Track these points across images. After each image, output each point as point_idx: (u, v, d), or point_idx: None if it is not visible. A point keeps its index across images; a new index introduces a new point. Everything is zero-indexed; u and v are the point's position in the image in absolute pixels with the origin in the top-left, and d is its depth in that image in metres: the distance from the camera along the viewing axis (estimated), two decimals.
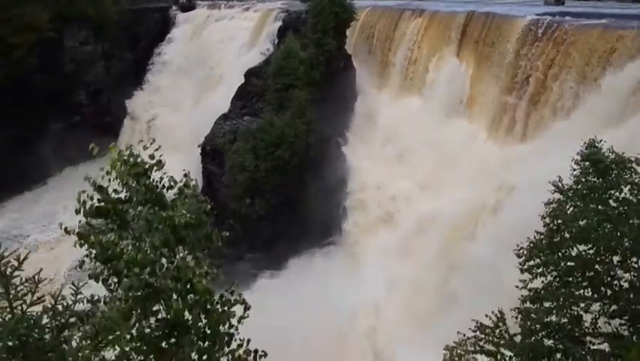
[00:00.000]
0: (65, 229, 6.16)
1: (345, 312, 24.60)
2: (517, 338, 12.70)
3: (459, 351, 13.82)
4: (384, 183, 32.01)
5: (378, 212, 31.11)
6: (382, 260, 28.55)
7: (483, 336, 13.48)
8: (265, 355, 7.34)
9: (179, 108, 39.31)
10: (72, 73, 42.10)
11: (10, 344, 5.35)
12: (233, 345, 8.28)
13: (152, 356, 7.81)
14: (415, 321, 25.29)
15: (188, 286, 6.43)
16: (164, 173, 6.85)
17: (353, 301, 25.58)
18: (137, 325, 6.55)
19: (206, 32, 45.66)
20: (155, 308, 7.77)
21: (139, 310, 6.16)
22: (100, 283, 6.04)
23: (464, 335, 13.84)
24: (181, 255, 6.73)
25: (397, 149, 32.77)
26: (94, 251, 6.13)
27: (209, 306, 6.74)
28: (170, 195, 7.32)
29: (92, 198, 6.32)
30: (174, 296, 6.41)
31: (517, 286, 12.21)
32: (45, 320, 5.55)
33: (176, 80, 42.72)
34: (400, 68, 34.80)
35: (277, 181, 30.16)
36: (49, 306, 5.51)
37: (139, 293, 6.18)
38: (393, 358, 23.88)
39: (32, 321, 5.30)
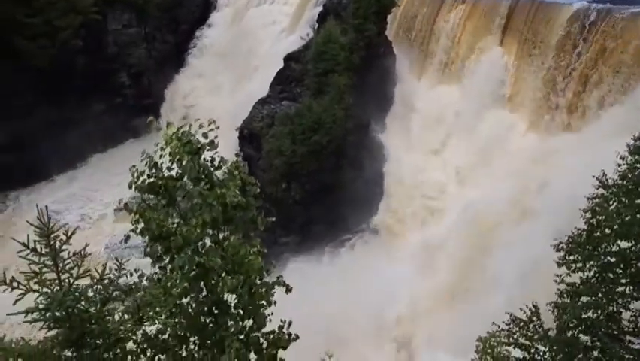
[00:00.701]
0: (126, 205, 6.33)
1: (377, 300, 24.64)
2: (552, 334, 12.55)
3: (492, 343, 13.75)
4: (420, 172, 31.76)
5: (413, 201, 30.93)
6: (417, 249, 28.42)
7: (517, 329, 13.37)
8: (297, 338, 7.44)
9: (219, 92, 39.70)
10: (115, 55, 42.90)
11: (57, 314, 5.56)
12: (270, 326, 8.44)
13: (190, 333, 8.01)
14: (445, 311, 25.16)
15: (235, 266, 6.53)
16: (215, 153, 6.97)
17: (386, 289, 25.58)
18: (179, 302, 6.73)
19: (246, 16, 45.83)
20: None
21: (187, 288, 6.32)
22: (152, 259, 6.19)
23: (498, 327, 13.75)
24: (224, 235, 6.87)
25: (435, 138, 32.44)
26: (141, 227, 6.30)
27: (254, 286, 6.84)
28: (218, 175, 7.43)
29: (142, 174, 6.47)
30: (224, 274, 6.52)
31: (555, 281, 12.03)
32: (90, 293, 5.75)
33: (216, 64, 43.07)
34: (440, 56, 34.32)
35: (313, 166, 30.22)
36: (95, 280, 5.70)
37: (190, 271, 6.32)
38: (424, 348, 23.86)
39: (78, 293, 5.50)
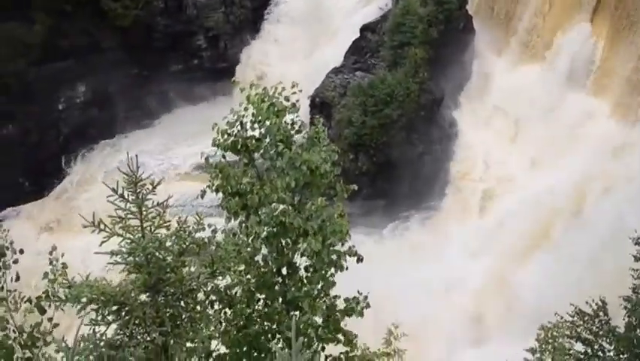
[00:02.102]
0: (206, 159, 6.49)
1: (434, 281, 24.42)
2: (620, 331, 12.09)
3: (554, 333, 13.41)
4: (492, 155, 30.93)
5: (481, 184, 30.22)
6: (479, 233, 27.88)
7: (581, 323, 12.97)
8: (368, 306, 7.53)
9: (293, 59, 39.75)
10: (193, 18, 43.61)
11: (137, 259, 5.82)
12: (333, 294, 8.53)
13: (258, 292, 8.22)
14: (503, 299, 24.70)
15: (320, 228, 6.61)
16: (297, 116, 7.05)
17: (444, 272, 25.31)
18: (251, 260, 6.92)
19: None
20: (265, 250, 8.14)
21: (261, 246, 6.48)
22: (227, 215, 6.36)
23: (561, 317, 13.38)
24: (303, 198, 6.98)
25: (511, 120, 31.39)
26: (217, 183, 6.46)
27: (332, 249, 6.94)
28: (297, 139, 7.52)
29: (226, 132, 6.62)
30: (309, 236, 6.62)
31: (632, 275, 11.53)
32: (168, 243, 5.96)
33: (292, 31, 43.04)
34: (523, 34, 32.91)
35: (382, 139, 30.04)
36: (174, 230, 5.91)
37: (266, 230, 6.46)
38: (476, 338, 23.53)
39: (158, 242, 5.71)
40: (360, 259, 8.13)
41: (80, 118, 37.66)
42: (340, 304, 8.45)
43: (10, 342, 5.88)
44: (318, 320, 7.98)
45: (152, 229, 5.74)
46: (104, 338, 5.98)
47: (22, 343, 6.07)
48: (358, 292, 7.78)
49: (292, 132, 7.65)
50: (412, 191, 30.64)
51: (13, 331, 6.06)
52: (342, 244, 7.77)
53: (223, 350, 8.61)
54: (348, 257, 8.08)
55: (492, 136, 31.43)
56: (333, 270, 7.89)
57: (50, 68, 35.67)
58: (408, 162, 30.55)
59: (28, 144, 35.40)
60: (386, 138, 30.23)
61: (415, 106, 30.27)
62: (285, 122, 7.56)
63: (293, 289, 7.41)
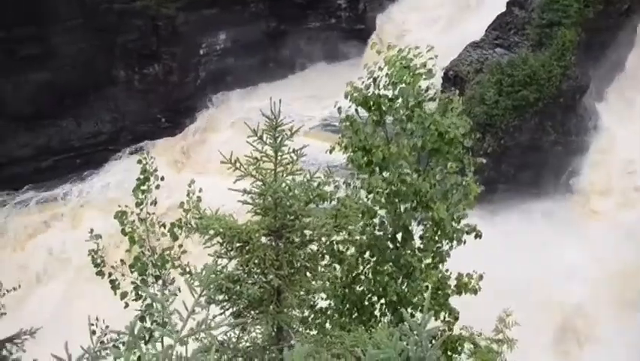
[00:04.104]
0: (339, 108, 6.53)
1: (553, 278, 23.26)
2: None
3: None
4: (634, 159, 28.45)
5: (619, 182, 27.98)
6: (608, 234, 26.03)
7: None
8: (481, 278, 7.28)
9: (431, 27, 38.64)
10: None
11: (265, 202, 6.00)
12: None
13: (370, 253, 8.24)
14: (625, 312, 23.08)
15: (447, 193, 6.48)
16: (431, 83, 6.88)
17: (566, 270, 24.02)
18: (369, 220, 6.93)
19: None
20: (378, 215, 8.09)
21: (381, 206, 6.48)
22: (354, 167, 6.38)
23: None
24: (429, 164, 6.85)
25: None
26: (347, 140, 6.49)
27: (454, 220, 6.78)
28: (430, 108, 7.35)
29: (358, 89, 6.61)
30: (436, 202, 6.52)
31: None
32: (297, 191, 6.07)
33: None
34: None
35: (514, 122, 28.62)
36: (304, 180, 6.00)
37: (388, 189, 6.43)
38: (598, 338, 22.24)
39: (289, 188, 5.83)
40: (479, 235, 7.89)
41: (217, 64, 39.46)
42: (451, 282, 8.27)
43: (144, 259, 6.38)
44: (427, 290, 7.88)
45: (284, 175, 5.86)
46: (224, 270, 6.28)
47: (153, 262, 6.59)
48: (474, 271, 7.55)
49: (425, 98, 7.48)
50: (536, 180, 29.09)
51: (148, 250, 6.59)
52: (461, 220, 7.54)
53: (325, 304, 8.80)
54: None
55: (638, 139, 28.81)
56: (449, 243, 7.72)
57: (197, 15, 37.50)
58: (537, 150, 28.95)
59: (169, 84, 37.77)
60: (518, 121, 28.76)
61: (554, 91, 28.40)
62: (419, 86, 7.41)
63: (406, 254, 7.34)
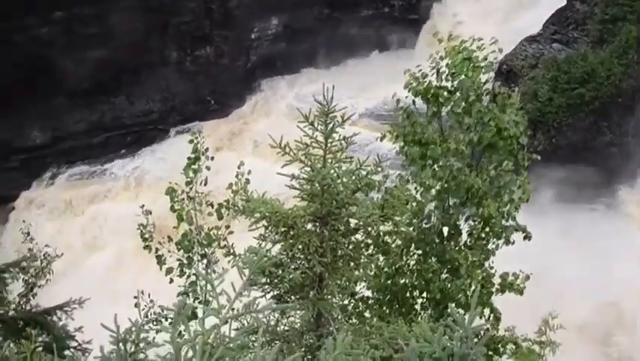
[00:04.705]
0: (398, 100, 6.45)
1: (600, 280, 22.54)
2: None
3: None
4: None
5: None
6: None
7: None
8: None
9: (487, 20, 37.72)
10: None
11: (313, 188, 5.98)
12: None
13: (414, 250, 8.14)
14: None
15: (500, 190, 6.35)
16: (491, 77, 6.71)
17: (611, 273, 23.25)
18: (418, 212, 6.84)
19: None
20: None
21: (430, 199, 6.38)
22: (406, 161, 6.30)
23: None
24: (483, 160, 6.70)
25: None
26: (403, 128, 6.41)
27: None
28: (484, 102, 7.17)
29: (417, 79, 6.50)
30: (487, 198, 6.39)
31: None
32: (345, 179, 6.03)
33: None
34: None
35: (567, 121, 27.77)
36: (353, 168, 5.96)
37: (439, 185, 6.33)
38: None
39: (337, 175, 5.80)
40: (528, 237, 7.70)
41: (268, 49, 39.65)
42: (495, 280, 8.11)
43: (191, 237, 6.48)
44: (471, 288, 7.75)
45: (333, 162, 5.83)
46: (268, 254, 6.30)
47: (199, 240, 6.71)
48: (520, 270, 7.38)
49: (484, 92, 7.32)
50: (587, 182, 28.17)
51: (195, 228, 6.70)
52: (514, 219, 7.36)
53: (365, 293, 8.76)
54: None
55: None
56: (497, 241, 7.57)
57: None
58: (590, 151, 28.03)
59: (219, 66, 38.19)
60: (572, 119, 27.89)
61: (613, 90, 27.39)
62: (479, 79, 7.24)
63: (452, 250, 7.23)
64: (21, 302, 8.58)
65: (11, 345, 5.81)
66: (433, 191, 6.75)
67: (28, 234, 10.79)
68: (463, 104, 6.74)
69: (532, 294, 7.87)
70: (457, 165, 6.48)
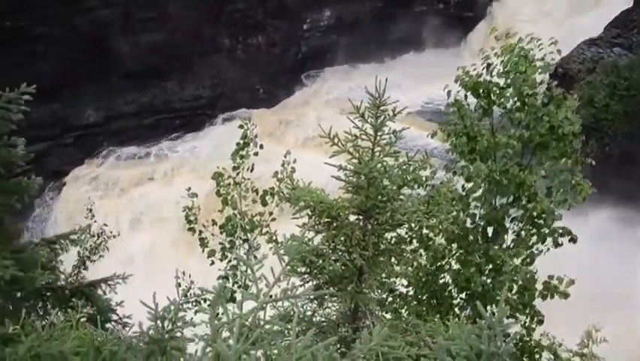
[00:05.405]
0: (448, 92, 6.36)
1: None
2: None
3: None
4: None
5: None
6: None
7: None
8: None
9: (544, 20, 36.73)
10: None
11: (359, 180, 5.95)
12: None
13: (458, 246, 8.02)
14: None
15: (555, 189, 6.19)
16: (544, 78, 6.55)
17: None
18: (463, 208, 6.73)
19: None
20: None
21: (478, 195, 6.26)
22: (456, 153, 6.20)
23: None
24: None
25: None
26: (455, 124, 6.30)
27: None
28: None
29: (469, 74, 6.39)
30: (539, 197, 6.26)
31: None
32: (392, 173, 5.96)
33: None
34: None
35: (623, 129, 26.80)
36: (401, 162, 5.89)
37: (489, 178, 6.21)
38: None
39: (384, 169, 5.75)
40: (573, 240, 7.49)
41: (319, 41, 39.66)
42: (538, 284, 7.92)
43: (234, 221, 6.55)
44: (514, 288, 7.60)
45: (381, 155, 5.78)
46: (310, 243, 6.31)
47: (243, 225, 6.77)
48: (564, 275, 7.18)
49: (539, 91, 7.14)
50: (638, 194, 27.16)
51: (239, 213, 6.76)
52: (556, 220, 7.16)
53: (404, 289, 8.69)
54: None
55: None
56: (543, 243, 7.39)
57: None
58: None
59: (271, 55, 38.43)
60: (629, 128, 26.90)
61: None
62: (534, 77, 7.07)
63: (496, 247, 7.08)
64: (72, 273, 8.90)
65: (59, 313, 6.03)
66: (481, 189, 6.62)
67: (90, 210, 11.14)
68: (516, 99, 6.60)
69: (572, 300, 7.63)
70: (508, 160, 6.35)
